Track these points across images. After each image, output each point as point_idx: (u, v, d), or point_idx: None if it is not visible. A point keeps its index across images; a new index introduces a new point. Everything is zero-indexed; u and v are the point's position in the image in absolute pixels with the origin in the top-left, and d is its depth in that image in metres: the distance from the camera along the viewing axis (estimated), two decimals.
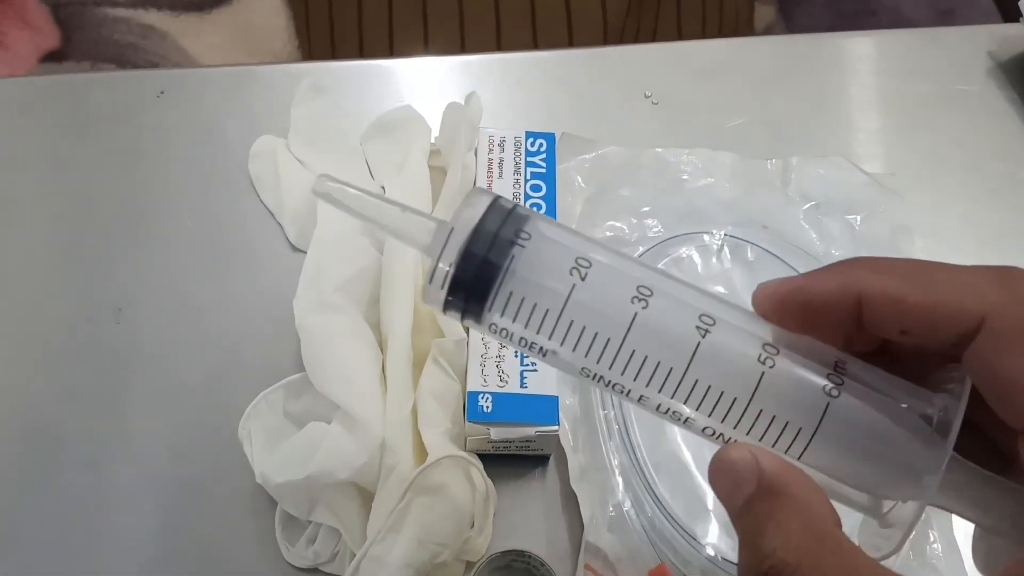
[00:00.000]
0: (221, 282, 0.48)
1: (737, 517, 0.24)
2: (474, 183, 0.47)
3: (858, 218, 0.51)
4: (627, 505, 0.42)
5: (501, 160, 0.48)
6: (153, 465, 0.43)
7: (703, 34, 0.90)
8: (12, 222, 0.49)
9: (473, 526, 0.40)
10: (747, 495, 0.24)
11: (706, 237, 0.49)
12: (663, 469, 0.42)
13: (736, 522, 0.24)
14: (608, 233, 0.49)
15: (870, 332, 0.26)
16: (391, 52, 0.81)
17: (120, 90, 0.54)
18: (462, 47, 0.77)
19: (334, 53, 0.83)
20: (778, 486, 0.24)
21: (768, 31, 1.20)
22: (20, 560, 0.41)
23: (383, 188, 0.50)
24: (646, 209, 0.50)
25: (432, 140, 0.51)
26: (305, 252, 0.48)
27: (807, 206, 0.51)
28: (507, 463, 0.43)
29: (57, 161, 0.51)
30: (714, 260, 0.48)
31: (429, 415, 0.41)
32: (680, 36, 0.88)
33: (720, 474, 0.25)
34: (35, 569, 0.41)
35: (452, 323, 0.42)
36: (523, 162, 0.48)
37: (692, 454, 0.43)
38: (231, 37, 1.01)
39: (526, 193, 0.47)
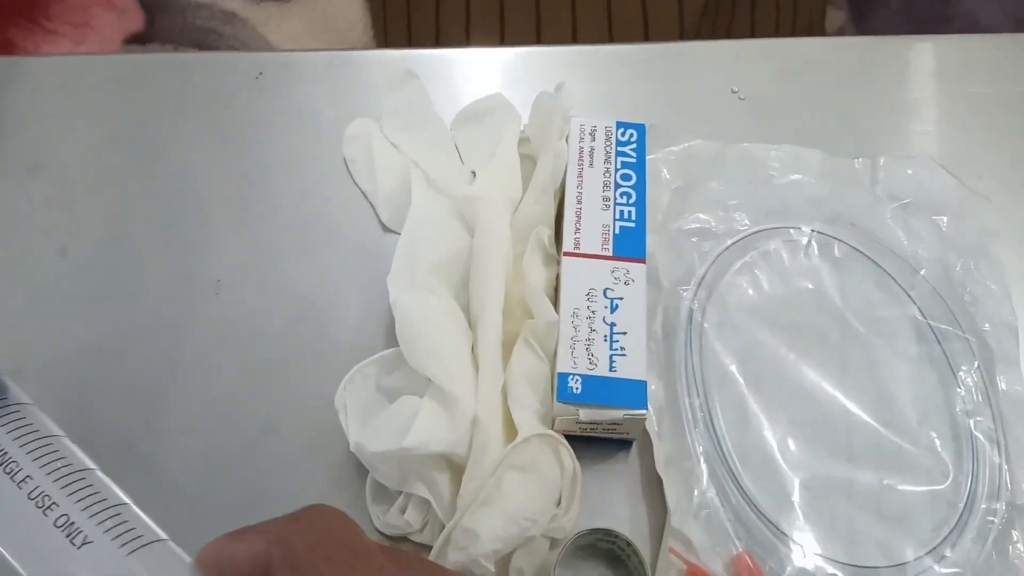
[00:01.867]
0: (315, 259, 0.49)
1: None
2: (565, 171, 0.48)
3: (945, 219, 0.51)
4: (711, 493, 0.42)
5: (592, 149, 0.49)
6: (248, 434, 0.44)
7: (776, 35, 0.90)
8: (114, 196, 0.51)
9: (560, 504, 0.41)
10: None
11: (793, 232, 0.49)
12: (748, 459, 0.43)
13: None
14: (695, 225, 0.49)
15: None
16: (467, 43, 0.82)
17: (220, 71, 0.55)
18: (537, 41, 0.78)
19: (410, 44, 0.84)
20: None
21: (839, 34, 1.19)
22: None
23: (473, 174, 0.51)
24: (733, 202, 0.50)
25: (522, 129, 0.52)
26: (397, 234, 0.49)
27: (894, 206, 0.51)
28: (591, 446, 0.43)
29: (159, 138, 0.53)
30: (802, 256, 0.49)
31: (519, 395, 0.41)
32: (753, 36, 0.88)
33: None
34: None
35: (543, 305, 0.43)
36: (614, 152, 0.48)
37: (777, 445, 0.43)
38: (309, 26, 1.03)
39: (616, 182, 0.47)
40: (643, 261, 0.45)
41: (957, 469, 0.43)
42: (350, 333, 0.47)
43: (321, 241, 0.50)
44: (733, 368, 0.45)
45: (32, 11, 1.01)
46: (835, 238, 0.49)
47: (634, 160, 0.48)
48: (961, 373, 0.45)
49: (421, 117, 0.53)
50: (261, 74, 0.55)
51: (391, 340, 0.44)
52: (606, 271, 0.44)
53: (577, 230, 0.45)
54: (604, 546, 0.41)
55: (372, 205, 0.51)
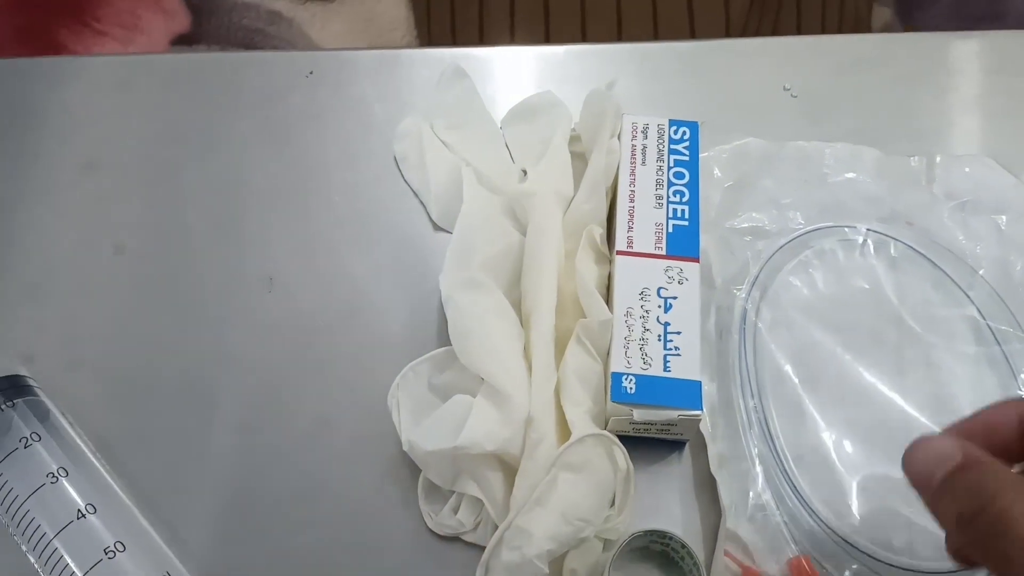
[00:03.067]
0: (367, 257, 0.49)
1: (940, 491, 0.26)
2: (617, 168, 0.48)
3: (1004, 218, 0.50)
4: (767, 496, 0.41)
5: (644, 147, 0.48)
6: (300, 430, 0.45)
7: (822, 32, 0.89)
8: (166, 193, 0.51)
9: (613, 505, 0.40)
10: (950, 467, 0.27)
11: (848, 231, 0.48)
12: (804, 462, 0.42)
13: (939, 498, 0.26)
14: (748, 224, 0.49)
15: None
16: (512, 42, 0.81)
17: (271, 70, 0.55)
18: (583, 39, 0.78)
19: (454, 44, 0.84)
20: (980, 457, 0.27)
21: (886, 31, 1.18)
22: (176, 518, 0.43)
23: (524, 172, 0.51)
24: (787, 201, 0.49)
25: (572, 127, 0.52)
26: (447, 232, 0.49)
27: (952, 204, 0.50)
28: (644, 447, 0.43)
29: (212, 136, 0.53)
30: (857, 255, 0.48)
31: (573, 394, 0.41)
32: (799, 33, 0.87)
33: (920, 452, 0.28)
34: (190, 525, 0.43)
35: (597, 304, 0.43)
36: (666, 149, 0.48)
37: (834, 447, 0.43)
38: (353, 26, 1.03)
39: (669, 180, 0.47)
40: (696, 260, 0.44)
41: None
42: (402, 330, 0.47)
43: (373, 238, 0.50)
44: (788, 368, 0.45)
45: (81, 13, 1.03)
46: (891, 237, 0.48)
47: (687, 158, 0.48)
48: (1023, 375, 0.44)
49: (471, 115, 0.53)
50: (312, 72, 0.55)
51: (443, 338, 0.44)
52: (659, 270, 0.44)
53: (630, 228, 0.45)
54: (658, 548, 0.40)
55: (423, 203, 0.51)
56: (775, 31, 0.83)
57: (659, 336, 0.42)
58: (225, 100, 0.54)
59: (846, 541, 0.40)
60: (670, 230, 0.45)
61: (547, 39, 0.79)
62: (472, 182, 0.48)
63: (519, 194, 0.47)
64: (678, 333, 0.42)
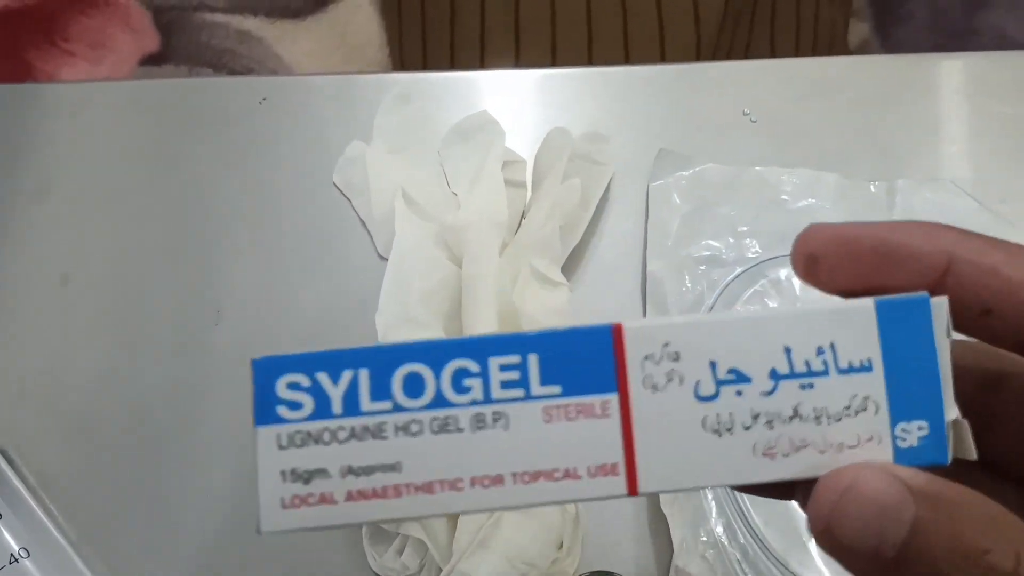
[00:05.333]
0: (318, 287, 0.48)
1: (901, 552, 0.18)
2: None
3: None
4: (719, 530, 0.41)
5: None
6: (247, 467, 0.44)
7: (796, 50, 0.89)
8: (116, 222, 0.51)
9: (562, 547, 0.39)
10: (907, 522, 0.18)
11: None
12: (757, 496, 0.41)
13: (895, 562, 0.18)
14: (705, 252, 0.48)
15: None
16: (482, 64, 0.81)
17: (224, 96, 0.55)
18: (553, 61, 0.77)
19: (425, 63, 0.83)
20: (938, 494, 0.18)
21: (863, 48, 1.17)
22: (120, 555, 0.42)
23: (455, 194, 0.50)
24: (744, 229, 0.49)
25: (509, 144, 0.51)
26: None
27: None
28: None
29: (161, 163, 0.52)
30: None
31: None
32: (773, 51, 0.87)
33: (855, 511, 0.18)
34: (134, 563, 0.42)
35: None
36: None
37: None
38: (325, 44, 1.02)
39: None
40: (618, 327, 0.23)
41: None
42: None
43: (322, 268, 0.49)
44: None
45: (50, 33, 1.02)
46: None
47: (367, 370, 0.22)
48: None
49: (410, 141, 0.52)
50: (265, 99, 0.54)
51: None
52: (651, 397, 0.21)
53: (572, 475, 0.20)
54: None
55: (369, 232, 0.50)
56: (748, 48, 0.83)
57: (802, 387, 0.21)
58: (178, 127, 0.54)
59: None
60: (558, 390, 0.21)
61: (518, 57, 0.78)
62: (404, 214, 0.47)
63: (452, 227, 0.46)
64: (787, 351, 0.22)
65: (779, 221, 0.49)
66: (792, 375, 0.19)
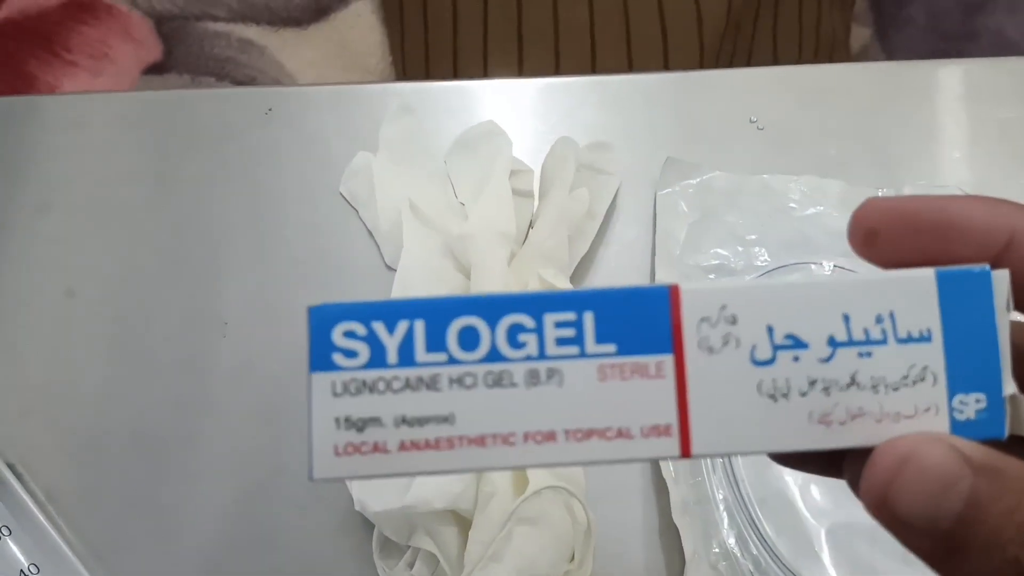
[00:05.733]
0: (325, 299, 0.48)
1: (957, 524, 0.18)
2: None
3: None
4: (731, 541, 0.40)
5: None
6: (255, 480, 0.43)
7: (799, 55, 0.89)
8: (122, 235, 0.50)
9: (573, 559, 0.39)
10: (963, 494, 0.17)
11: (814, 267, 0.48)
12: (768, 505, 0.41)
13: (950, 534, 0.18)
14: (714, 261, 0.48)
15: None
16: (485, 73, 0.81)
17: (229, 107, 0.55)
18: (556, 69, 0.77)
19: (428, 72, 0.83)
20: (995, 467, 0.18)
21: (864, 52, 1.17)
22: (126, 569, 0.41)
23: (462, 204, 0.50)
24: (752, 237, 0.49)
25: (513, 153, 0.51)
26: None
27: None
28: (605, 494, 0.42)
29: (165, 175, 0.52)
30: None
31: None
32: (776, 57, 0.87)
33: (914, 481, 0.18)
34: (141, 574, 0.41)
35: None
36: None
37: (799, 491, 0.42)
38: (327, 53, 1.02)
39: None
40: (674, 288, 0.22)
41: None
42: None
43: (328, 279, 0.49)
44: None
45: (51, 44, 1.02)
46: (856, 272, 0.47)
47: (421, 322, 0.21)
48: None
49: (414, 150, 0.52)
50: (271, 110, 0.54)
51: None
52: (707, 359, 0.22)
53: (625, 434, 0.20)
54: None
55: (376, 242, 0.50)
56: (751, 55, 0.83)
57: (861, 355, 0.21)
58: (182, 138, 0.53)
59: None
60: (613, 348, 0.20)
61: (521, 66, 0.78)
62: (411, 224, 0.47)
63: (459, 238, 0.46)
64: (846, 319, 0.20)
65: (787, 229, 0.49)
66: (850, 343, 0.19)
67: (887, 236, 0.21)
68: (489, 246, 0.45)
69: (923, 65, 0.59)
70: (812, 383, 0.19)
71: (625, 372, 0.18)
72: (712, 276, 0.47)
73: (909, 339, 0.19)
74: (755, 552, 0.40)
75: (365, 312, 0.19)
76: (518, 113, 0.54)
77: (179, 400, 0.46)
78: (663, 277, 0.47)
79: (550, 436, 0.18)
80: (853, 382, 0.18)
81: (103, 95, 0.57)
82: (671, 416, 0.18)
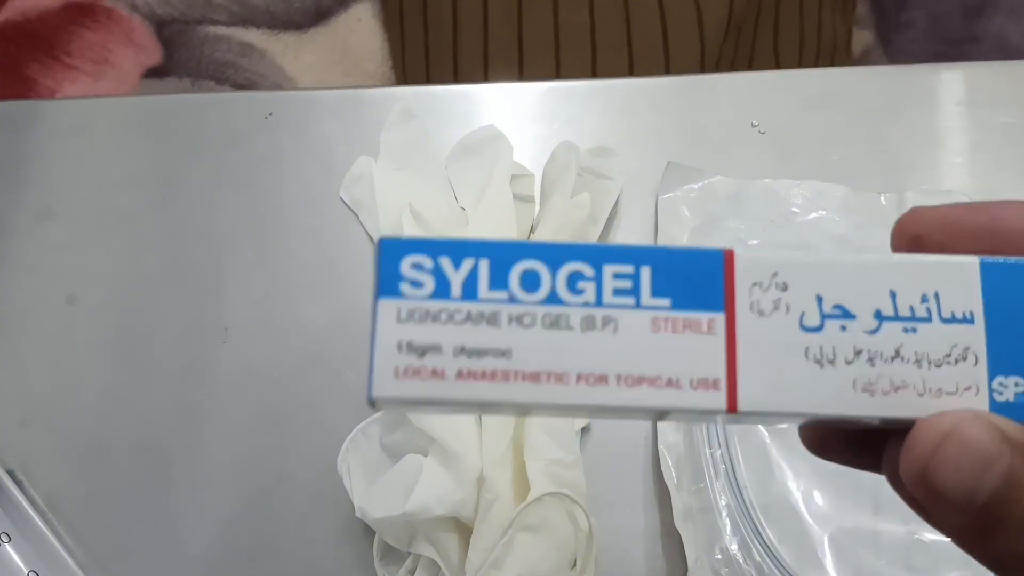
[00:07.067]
0: (326, 305, 0.48)
1: (993, 501, 0.18)
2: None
3: None
4: (734, 548, 0.40)
5: None
6: (256, 487, 0.43)
7: (800, 59, 0.88)
8: (123, 241, 0.50)
9: (575, 566, 0.39)
10: (1001, 471, 0.18)
11: None
12: (771, 512, 0.41)
13: (992, 532, 0.18)
14: None
15: None
16: (486, 77, 0.80)
17: (229, 111, 0.54)
18: (557, 73, 0.77)
19: (428, 77, 0.83)
20: None
21: (866, 55, 1.17)
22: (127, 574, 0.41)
23: (463, 209, 0.50)
24: (754, 242, 0.48)
25: (514, 158, 0.51)
26: None
27: None
28: (606, 500, 0.42)
29: (166, 180, 0.52)
30: None
31: (535, 445, 0.40)
32: (777, 61, 0.87)
33: (955, 456, 0.18)
34: None
35: None
36: None
37: (802, 497, 0.41)
38: (327, 57, 1.02)
39: None
40: (730, 252, 0.21)
41: None
42: (361, 380, 0.46)
43: (330, 286, 0.49)
44: None
45: (51, 48, 1.02)
46: None
47: (486, 260, 0.21)
48: None
49: (415, 155, 0.52)
50: (271, 114, 0.54)
51: None
52: (757, 321, 0.21)
53: (670, 383, 0.20)
54: None
55: None
56: (752, 59, 0.82)
57: (906, 329, 0.21)
58: (184, 143, 0.53)
59: None
60: (668, 303, 0.21)
61: (521, 71, 0.78)
62: (413, 228, 0.47)
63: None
64: (892, 296, 0.20)
65: (789, 234, 0.49)
66: (896, 318, 0.19)
67: (932, 241, 0.21)
68: None
69: (925, 69, 0.59)
70: (858, 352, 0.19)
71: (678, 326, 0.19)
72: None
73: (953, 319, 0.19)
74: (758, 559, 0.40)
75: (433, 247, 0.20)
76: (519, 118, 0.54)
77: (181, 407, 0.46)
78: None
79: (602, 379, 0.19)
80: (898, 355, 0.19)
81: (105, 100, 0.57)
82: (720, 371, 0.19)
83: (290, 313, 0.48)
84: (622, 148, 0.52)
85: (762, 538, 0.40)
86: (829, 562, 0.40)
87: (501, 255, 0.20)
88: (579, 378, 0.19)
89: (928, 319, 0.19)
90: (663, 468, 0.42)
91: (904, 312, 0.19)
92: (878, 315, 0.19)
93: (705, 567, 0.40)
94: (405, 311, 0.20)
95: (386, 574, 0.40)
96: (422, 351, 0.19)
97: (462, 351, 0.19)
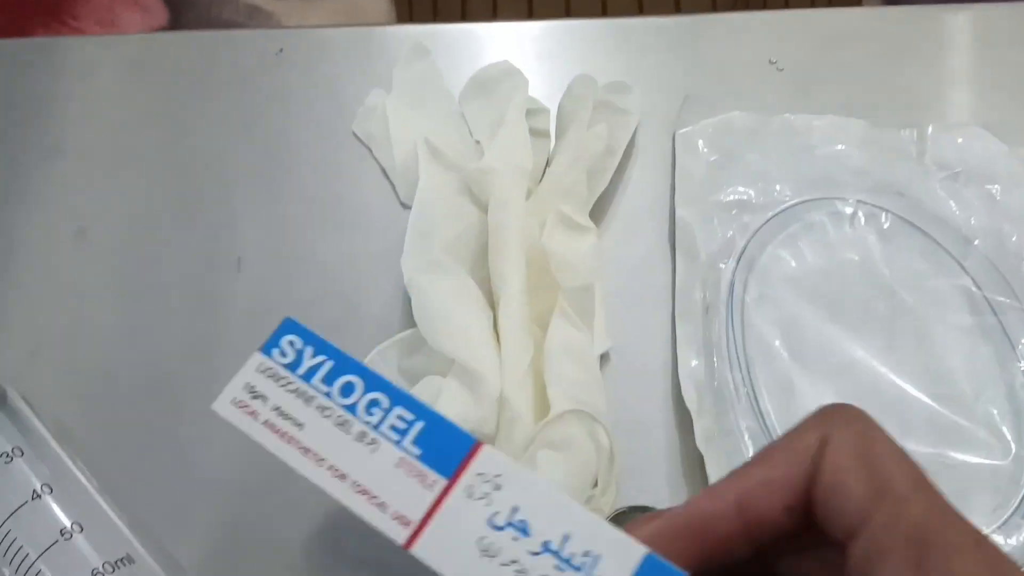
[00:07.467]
0: (338, 237, 0.48)
1: None
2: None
3: (997, 188, 0.48)
4: None
5: (302, 425, 0.33)
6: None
7: (812, 6, 0.88)
8: (133, 176, 0.50)
9: (596, 486, 0.39)
10: None
11: (838, 203, 0.47)
12: None
13: None
14: (733, 197, 0.47)
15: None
16: (494, 15, 0.79)
17: (240, 48, 0.54)
18: (567, 12, 0.76)
19: (436, 15, 0.82)
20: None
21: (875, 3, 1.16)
22: (140, 506, 0.41)
23: (478, 143, 0.49)
24: (774, 174, 0.48)
25: (529, 93, 0.50)
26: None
27: (944, 175, 0.48)
28: (627, 424, 0.41)
29: (177, 117, 0.52)
30: (847, 227, 0.46)
31: (556, 368, 0.39)
32: (787, 4, 0.86)
33: None
34: (156, 514, 0.41)
35: (573, 271, 0.41)
36: (321, 396, 0.28)
37: None
38: (334, 19, 1.02)
39: (359, 412, 0.25)
40: (479, 444, 0.25)
41: (1019, 445, 0.40)
42: (375, 310, 0.45)
43: (343, 219, 0.48)
44: (776, 343, 0.43)
45: (58, 11, 1.01)
46: (882, 208, 0.47)
47: (331, 363, 0.27)
48: (1021, 346, 0.43)
49: (430, 92, 0.51)
50: (281, 50, 0.53)
51: (412, 320, 0.43)
52: (463, 500, 0.25)
53: (382, 506, 0.25)
54: None
55: (391, 182, 0.49)
56: (765, 3, 0.82)
57: (557, 567, 0.23)
58: (194, 81, 0.53)
59: None
60: (419, 452, 0.25)
61: (530, 13, 0.77)
62: (428, 161, 0.46)
63: (477, 172, 0.45)
64: (566, 539, 0.23)
65: (809, 167, 0.48)
66: (557, 555, 0.22)
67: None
68: (507, 181, 0.44)
69: (939, 10, 0.58)
70: (514, 562, 0.23)
71: (413, 471, 0.24)
72: (734, 212, 0.47)
73: None
74: None
75: (309, 338, 0.26)
76: (529, 57, 0.54)
77: (193, 338, 0.45)
78: (684, 215, 0.47)
79: (342, 476, 0.24)
80: None
81: (115, 37, 0.57)
82: (417, 517, 0.23)
83: (303, 246, 0.47)
84: (638, 85, 0.51)
85: None
86: None
87: (343, 364, 0.26)
88: (330, 467, 0.24)
89: (579, 570, 0.22)
90: (684, 393, 0.41)
91: (565, 554, 0.22)
92: (546, 545, 0.22)
93: None
94: (264, 367, 0.26)
95: None
96: (255, 395, 0.26)
97: (276, 408, 0.25)
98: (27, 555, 0.35)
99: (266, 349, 0.27)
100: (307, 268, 0.47)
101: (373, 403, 0.25)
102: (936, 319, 0.44)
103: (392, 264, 0.46)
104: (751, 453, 0.40)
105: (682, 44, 0.55)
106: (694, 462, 0.41)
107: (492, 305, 0.42)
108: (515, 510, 0.23)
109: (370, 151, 0.50)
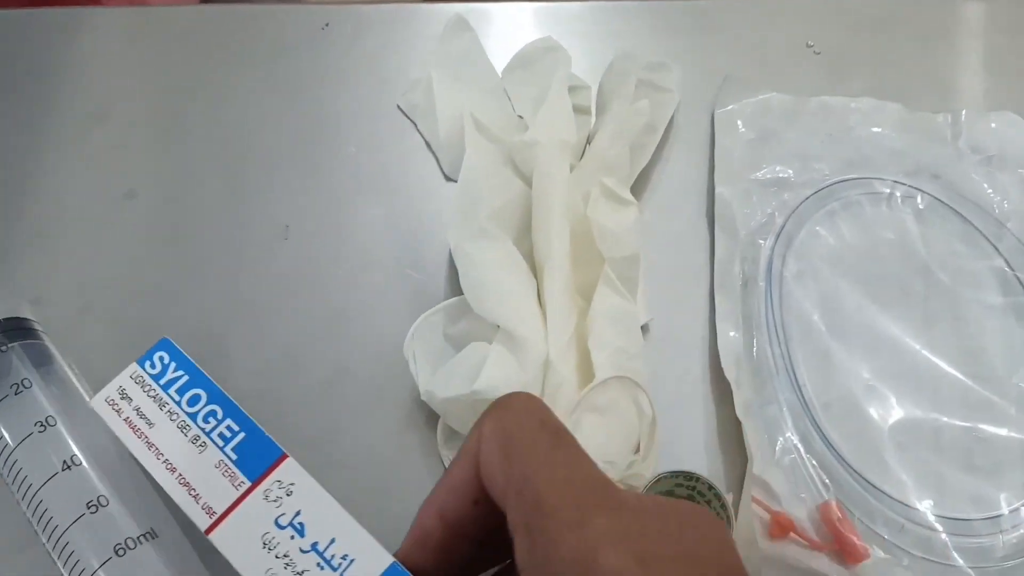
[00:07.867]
0: (382, 207, 0.48)
1: None
2: None
3: None
4: (795, 441, 0.41)
5: (139, 410, 0.34)
6: (318, 378, 0.44)
7: None
8: (180, 144, 0.51)
9: (638, 450, 0.39)
10: None
11: (876, 183, 0.48)
12: (831, 410, 0.41)
13: None
14: (771, 175, 0.48)
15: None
16: None
17: (286, 22, 0.55)
18: None
19: None
20: None
21: None
22: None
23: (520, 117, 0.50)
24: (813, 153, 0.49)
25: (572, 70, 0.51)
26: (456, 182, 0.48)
27: (978, 159, 0.49)
28: (668, 394, 0.42)
29: (225, 88, 0.52)
30: (884, 207, 0.47)
31: (600, 335, 0.40)
32: None
33: None
34: None
35: (618, 242, 0.42)
36: (162, 395, 0.34)
37: (862, 395, 0.42)
38: None
39: (192, 417, 0.33)
40: (284, 456, 0.31)
41: None
42: (418, 279, 0.46)
43: (387, 189, 0.49)
44: (815, 317, 0.44)
45: None
46: (919, 189, 0.47)
47: (186, 378, 0.34)
48: None
49: (473, 66, 0.52)
50: (327, 25, 0.54)
51: (457, 288, 0.43)
52: (261, 503, 0.30)
53: (195, 496, 0.30)
54: (683, 493, 0.39)
55: (435, 154, 0.50)
56: None
57: (318, 564, 0.29)
58: (238, 52, 0.54)
59: (875, 487, 0.39)
60: (234, 458, 0.32)
61: None
62: (473, 132, 0.47)
63: (521, 145, 0.46)
64: (331, 542, 0.29)
65: (847, 147, 0.49)
66: (321, 554, 0.28)
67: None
68: (551, 154, 0.45)
69: None
70: (286, 555, 0.28)
71: (227, 470, 0.30)
72: (773, 190, 0.47)
73: None
74: (819, 450, 0.40)
75: (176, 356, 0.33)
76: (568, 35, 0.54)
77: (240, 300, 0.46)
78: (723, 192, 0.47)
79: (172, 468, 0.30)
80: (300, 574, 0.28)
81: (158, 8, 0.57)
82: (220, 509, 0.29)
83: (349, 215, 0.48)
84: (676, 66, 0.52)
85: (823, 433, 0.41)
86: (889, 458, 0.40)
87: (195, 380, 0.32)
88: (165, 461, 0.31)
89: (335, 570, 0.28)
90: (724, 364, 0.42)
91: (327, 555, 0.28)
92: (314, 545, 0.28)
93: (767, 458, 0.40)
94: (137, 375, 0.33)
95: (450, 456, 0.41)
96: (123, 396, 0.32)
97: (137, 409, 0.32)
98: (56, 526, 0.36)
99: (141, 361, 0.34)
100: (353, 237, 0.47)
101: (211, 414, 0.32)
102: (970, 298, 0.45)
103: (436, 234, 0.47)
104: (789, 425, 0.41)
105: (721, 26, 0.56)
106: (731, 431, 0.41)
107: (536, 275, 0.43)
108: (298, 513, 0.29)
109: (414, 124, 0.51)
